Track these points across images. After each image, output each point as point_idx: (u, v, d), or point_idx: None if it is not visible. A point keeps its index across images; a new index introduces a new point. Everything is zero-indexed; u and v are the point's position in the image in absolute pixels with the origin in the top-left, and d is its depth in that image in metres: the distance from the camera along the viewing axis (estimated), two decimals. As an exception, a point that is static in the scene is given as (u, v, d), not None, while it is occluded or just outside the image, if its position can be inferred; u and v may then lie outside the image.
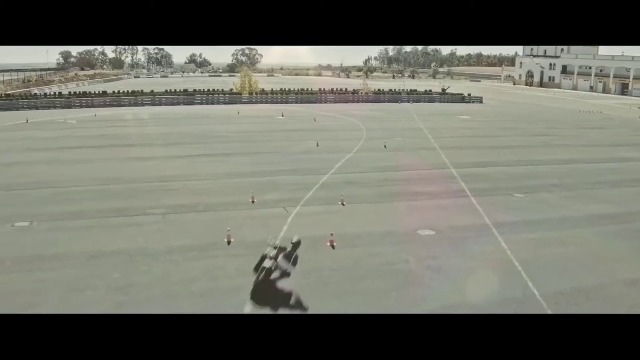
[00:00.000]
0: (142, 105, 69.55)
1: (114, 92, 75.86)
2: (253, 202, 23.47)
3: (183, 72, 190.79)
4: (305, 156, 34.59)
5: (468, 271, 16.51)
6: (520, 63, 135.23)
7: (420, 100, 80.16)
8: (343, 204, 23.36)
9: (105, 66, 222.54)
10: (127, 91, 76.62)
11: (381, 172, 30.09)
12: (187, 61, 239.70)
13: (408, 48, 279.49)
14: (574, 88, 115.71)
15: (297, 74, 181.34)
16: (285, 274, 13.63)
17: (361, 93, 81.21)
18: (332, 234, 18.52)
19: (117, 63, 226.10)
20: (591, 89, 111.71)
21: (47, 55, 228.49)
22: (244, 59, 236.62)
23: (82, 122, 52.62)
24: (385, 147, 38.16)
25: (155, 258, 17.03)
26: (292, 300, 13.37)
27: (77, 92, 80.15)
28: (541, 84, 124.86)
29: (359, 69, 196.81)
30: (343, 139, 41.56)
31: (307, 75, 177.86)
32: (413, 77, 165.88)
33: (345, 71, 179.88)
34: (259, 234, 19.07)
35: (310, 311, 13.20)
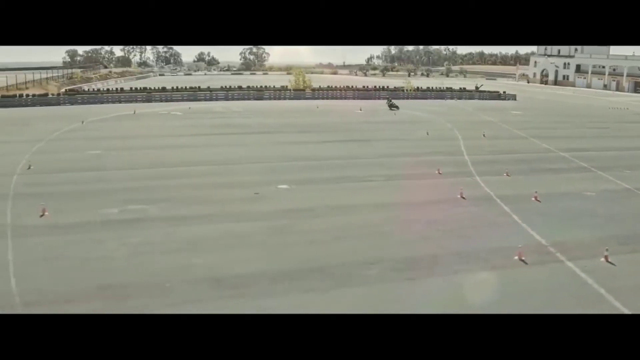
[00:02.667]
0: (217, 99, 76.05)
1: (173, 87, 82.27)
2: (440, 173, 30.43)
3: (197, 70, 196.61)
4: (428, 142, 41.59)
5: (644, 214, 23.65)
6: (535, 62, 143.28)
7: (461, 98, 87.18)
8: (508, 175, 30.35)
9: (111, 64, 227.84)
10: (185, 87, 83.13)
11: (507, 155, 37.09)
12: (196, 60, 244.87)
13: (410, 47, 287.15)
14: (588, 86, 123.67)
15: (311, 72, 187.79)
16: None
17: (405, 91, 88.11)
18: (535, 192, 25.55)
19: (125, 62, 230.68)
20: (605, 87, 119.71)
21: (57, 53, 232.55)
22: (252, 57, 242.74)
23: (187, 113, 59.23)
24: (484, 135, 45.16)
25: (423, 207, 23.92)
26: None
27: (137, 88, 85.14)
28: (555, 83, 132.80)
29: (374, 68, 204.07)
30: (440, 130, 48.60)
31: (322, 73, 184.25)
32: (427, 76, 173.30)
33: (363, 70, 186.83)
34: (475, 192, 26.15)
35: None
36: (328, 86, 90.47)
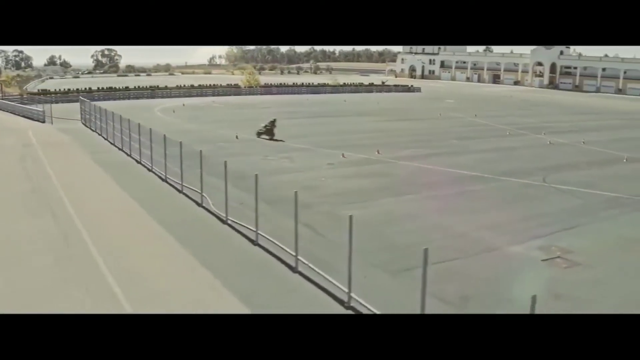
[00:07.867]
0: (206, 95, 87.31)
1: (151, 86, 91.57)
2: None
3: (81, 72, 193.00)
4: (464, 121, 59.39)
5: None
6: (402, 59, 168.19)
7: (381, 91, 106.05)
8: (579, 133, 48.88)
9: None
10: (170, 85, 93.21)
11: (534, 126, 55.79)
12: (47, 63, 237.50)
13: (252, 47, 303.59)
14: (453, 79, 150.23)
15: (192, 72, 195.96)
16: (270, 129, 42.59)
17: (336, 87, 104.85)
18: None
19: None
20: (468, 79, 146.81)
21: None
22: (104, 60, 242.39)
23: (227, 106, 71.49)
24: (475, 116, 62.63)
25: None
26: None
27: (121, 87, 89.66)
28: (422, 77, 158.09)
29: (257, 67, 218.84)
30: (485, 113, 66.61)
31: (197, 73, 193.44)
32: (298, 73, 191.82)
33: (239, 69, 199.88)
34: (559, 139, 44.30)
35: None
36: (276, 84, 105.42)
